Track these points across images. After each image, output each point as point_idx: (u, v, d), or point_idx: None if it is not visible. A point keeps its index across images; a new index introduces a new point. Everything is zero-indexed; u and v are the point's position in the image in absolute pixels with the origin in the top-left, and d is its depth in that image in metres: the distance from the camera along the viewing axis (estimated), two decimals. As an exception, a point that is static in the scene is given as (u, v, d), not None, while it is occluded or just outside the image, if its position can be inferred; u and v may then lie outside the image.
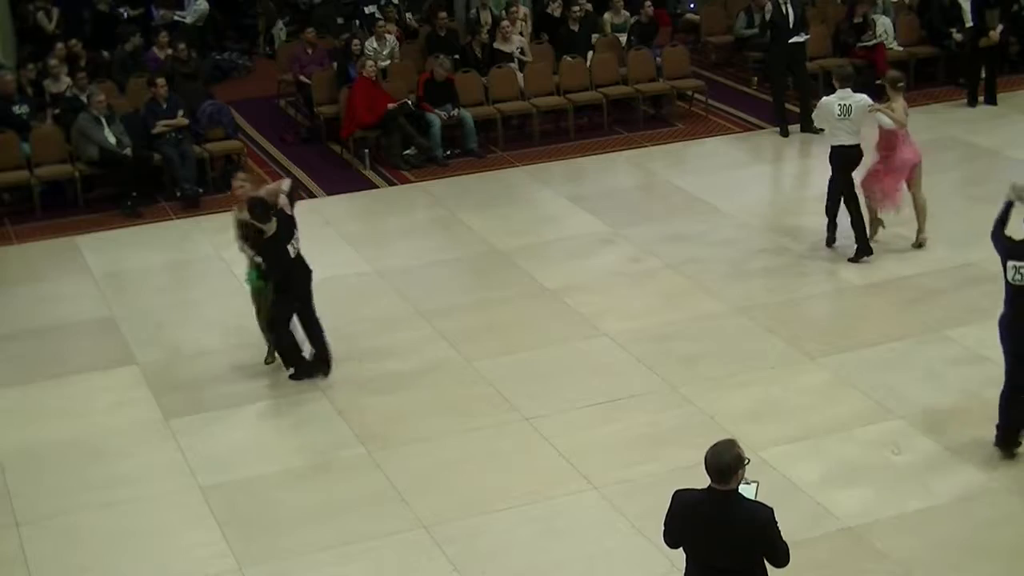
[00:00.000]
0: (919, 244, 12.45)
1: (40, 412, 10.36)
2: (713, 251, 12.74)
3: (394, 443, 9.61)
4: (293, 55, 17.63)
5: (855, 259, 12.21)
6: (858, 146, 12.17)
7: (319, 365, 10.57)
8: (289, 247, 10.24)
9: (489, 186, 15.02)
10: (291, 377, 10.53)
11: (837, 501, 8.59)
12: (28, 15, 19.20)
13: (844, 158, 12.19)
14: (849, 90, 12.07)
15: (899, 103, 12.08)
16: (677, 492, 6.14)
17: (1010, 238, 8.69)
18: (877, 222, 12.54)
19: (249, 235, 10.39)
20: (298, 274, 10.41)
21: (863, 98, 12.07)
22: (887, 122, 12.00)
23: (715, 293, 11.81)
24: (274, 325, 10.50)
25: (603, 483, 8.92)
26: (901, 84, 12.34)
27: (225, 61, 20.09)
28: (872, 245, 12.30)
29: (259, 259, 10.43)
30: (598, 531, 8.46)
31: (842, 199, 12.32)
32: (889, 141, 12.14)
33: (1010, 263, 8.62)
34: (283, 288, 10.39)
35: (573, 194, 14.56)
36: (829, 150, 12.34)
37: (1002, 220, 8.80)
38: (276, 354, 10.71)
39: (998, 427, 8.97)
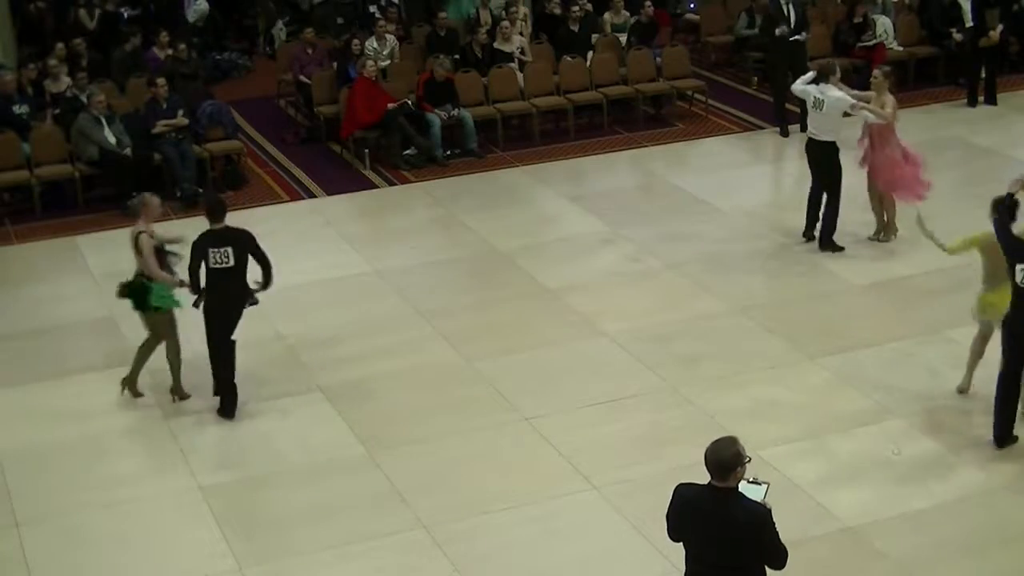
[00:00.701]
0: (878, 237, 12.50)
1: (40, 412, 10.34)
2: (713, 251, 12.73)
3: (394, 443, 9.60)
4: (293, 55, 17.63)
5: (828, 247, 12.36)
6: (831, 144, 12.14)
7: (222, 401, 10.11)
8: (212, 253, 9.73)
9: (489, 186, 15.01)
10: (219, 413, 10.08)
11: (837, 501, 8.60)
12: (68, 13, 19.28)
13: (816, 151, 12.26)
14: (832, 87, 12.02)
15: (887, 98, 12.04)
16: (679, 487, 6.19)
17: (1019, 239, 8.65)
18: (891, 227, 12.52)
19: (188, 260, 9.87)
20: (222, 292, 9.84)
21: (841, 98, 11.96)
22: (871, 118, 11.99)
23: (715, 293, 11.81)
24: (223, 355, 9.96)
25: (603, 483, 8.91)
26: (887, 81, 12.26)
27: (225, 61, 20.08)
28: (873, 245, 12.33)
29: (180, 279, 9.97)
30: (598, 531, 8.46)
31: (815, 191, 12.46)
32: (883, 135, 12.11)
33: (1019, 267, 8.60)
34: (206, 306, 9.86)
35: (573, 194, 14.56)
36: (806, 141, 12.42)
37: (1009, 213, 8.78)
38: (130, 386, 10.29)
39: (995, 422, 9.00)
